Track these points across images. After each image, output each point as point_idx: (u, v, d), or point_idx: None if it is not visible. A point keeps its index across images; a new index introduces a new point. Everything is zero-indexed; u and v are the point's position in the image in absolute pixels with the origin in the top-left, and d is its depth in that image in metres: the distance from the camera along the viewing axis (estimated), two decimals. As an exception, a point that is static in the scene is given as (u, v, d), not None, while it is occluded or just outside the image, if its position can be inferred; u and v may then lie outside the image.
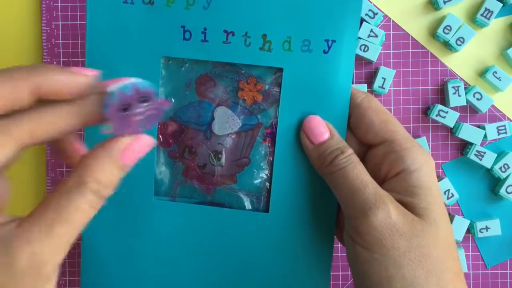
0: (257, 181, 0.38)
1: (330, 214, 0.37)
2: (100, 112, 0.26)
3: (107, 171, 0.26)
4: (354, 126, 0.37)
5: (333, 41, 0.36)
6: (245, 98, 0.38)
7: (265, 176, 0.38)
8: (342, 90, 0.36)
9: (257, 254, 0.38)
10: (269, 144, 0.38)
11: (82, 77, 0.26)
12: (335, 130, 0.36)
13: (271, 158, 0.38)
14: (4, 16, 0.47)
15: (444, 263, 0.32)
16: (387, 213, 0.32)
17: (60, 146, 0.30)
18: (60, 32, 0.47)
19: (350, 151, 0.34)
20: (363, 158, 0.36)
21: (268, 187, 0.38)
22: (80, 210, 0.25)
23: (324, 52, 0.36)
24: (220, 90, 0.38)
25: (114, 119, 0.25)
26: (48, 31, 0.47)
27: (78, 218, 0.25)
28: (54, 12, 0.46)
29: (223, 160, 0.38)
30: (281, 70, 0.37)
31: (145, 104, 0.26)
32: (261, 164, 0.38)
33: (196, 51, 0.36)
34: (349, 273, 0.48)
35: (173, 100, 0.38)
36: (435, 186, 0.34)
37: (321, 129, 0.36)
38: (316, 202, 0.37)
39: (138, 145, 0.27)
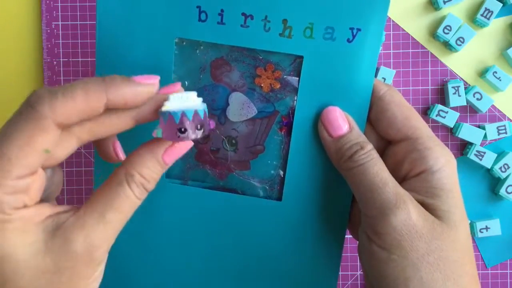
0: (271, 169, 0.37)
1: (343, 207, 0.37)
2: (153, 116, 0.29)
3: (150, 168, 0.29)
4: (374, 119, 0.35)
5: (358, 29, 0.34)
6: (262, 85, 0.36)
7: (279, 165, 0.37)
8: (365, 81, 0.35)
9: (267, 241, 0.37)
10: (285, 134, 0.37)
11: (146, 87, 0.28)
12: (355, 123, 0.35)
13: (286, 148, 0.37)
14: (4, 16, 0.47)
15: (462, 267, 0.31)
16: (408, 214, 0.31)
17: (104, 148, 0.33)
18: (60, 32, 0.47)
19: (370, 146, 0.33)
20: (382, 154, 0.35)
21: (282, 176, 0.37)
22: (128, 200, 0.28)
23: (348, 41, 0.34)
24: (236, 75, 0.36)
25: (167, 133, 0.28)
26: (48, 31, 0.47)
27: (126, 207, 0.28)
28: (54, 12, 0.46)
29: (237, 146, 0.37)
30: (301, 57, 0.35)
31: (200, 131, 0.29)
32: (276, 153, 0.37)
33: (211, 33, 0.35)
34: (349, 273, 0.48)
35: (186, 83, 0.36)
36: (456, 188, 0.33)
37: (340, 121, 0.34)
38: (330, 194, 0.36)
39: (179, 147, 0.30)
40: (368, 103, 0.35)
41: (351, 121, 0.35)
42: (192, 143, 0.30)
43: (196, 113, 0.28)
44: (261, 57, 0.36)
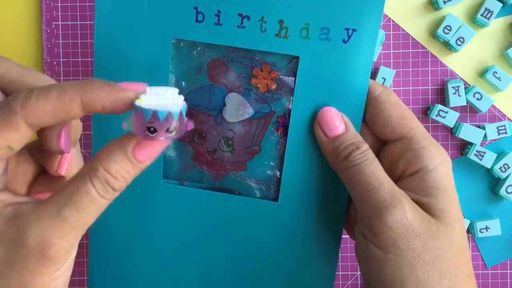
0: (267, 170, 0.37)
1: (340, 207, 0.37)
2: (124, 108, 0.26)
3: (118, 162, 0.26)
4: (370, 120, 0.35)
5: (354, 30, 0.34)
6: (259, 85, 0.36)
7: (275, 165, 0.37)
8: (360, 82, 0.35)
9: (264, 242, 0.37)
10: (281, 134, 0.37)
11: (124, 93, 0.26)
12: (351, 123, 0.35)
13: (282, 148, 0.37)
14: (4, 16, 0.48)
15: (457, 265, 0.31)
16: (403, 213, 0.31)
17: (47, 136, 0.29)
18: (60, 32, 0.47)
19: (365, 146, 0.33)
20: (377, 154, 0.35)
21: (278, 176, 0.37)
22: (89, 197, 0.25)
23: (344, 41, 0.34)
24: (232, 76, 0.36)
25: (136, 127, 0.26)
26: (48, 31, 0.47)
27: (87, 205, 0.25)
28: (54, 12, 0.47)
29: (233, 146, 0.37)
30: (297, 58, 0.35)
31: (170, 134, 0.26)
32: (272, 153, 0.37)
33: (208, 34, 0.35)
34: (349, 273, 0.48)
35: (183, 83, 0.37)
36: (451, 187, 0.33)
37: (336, 122, 0.34)
38: (327, 194, 0.36)
39: (152, 142, 0.27)
40: (363, 104, 0.35)
41: (347, 121, 0.35)
42: (167, 143, 0.28)
43: (169, 114, 0.25)
44: (257, 58, 0.36)
